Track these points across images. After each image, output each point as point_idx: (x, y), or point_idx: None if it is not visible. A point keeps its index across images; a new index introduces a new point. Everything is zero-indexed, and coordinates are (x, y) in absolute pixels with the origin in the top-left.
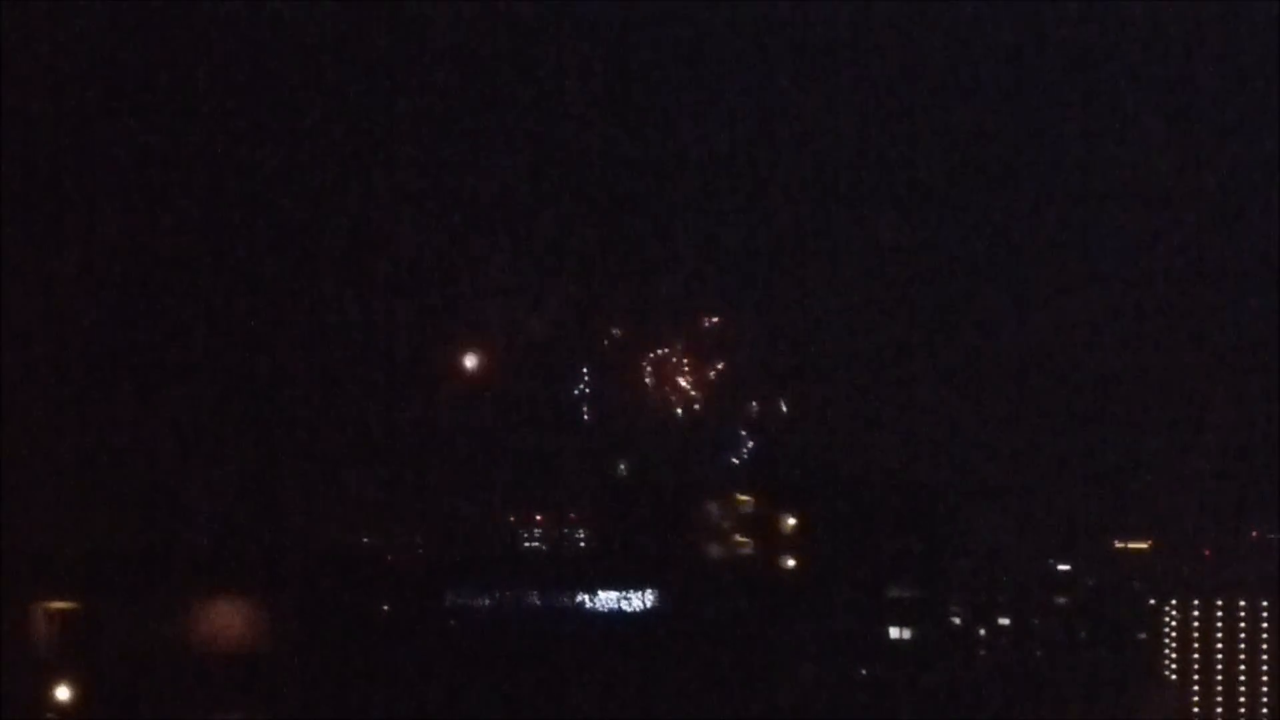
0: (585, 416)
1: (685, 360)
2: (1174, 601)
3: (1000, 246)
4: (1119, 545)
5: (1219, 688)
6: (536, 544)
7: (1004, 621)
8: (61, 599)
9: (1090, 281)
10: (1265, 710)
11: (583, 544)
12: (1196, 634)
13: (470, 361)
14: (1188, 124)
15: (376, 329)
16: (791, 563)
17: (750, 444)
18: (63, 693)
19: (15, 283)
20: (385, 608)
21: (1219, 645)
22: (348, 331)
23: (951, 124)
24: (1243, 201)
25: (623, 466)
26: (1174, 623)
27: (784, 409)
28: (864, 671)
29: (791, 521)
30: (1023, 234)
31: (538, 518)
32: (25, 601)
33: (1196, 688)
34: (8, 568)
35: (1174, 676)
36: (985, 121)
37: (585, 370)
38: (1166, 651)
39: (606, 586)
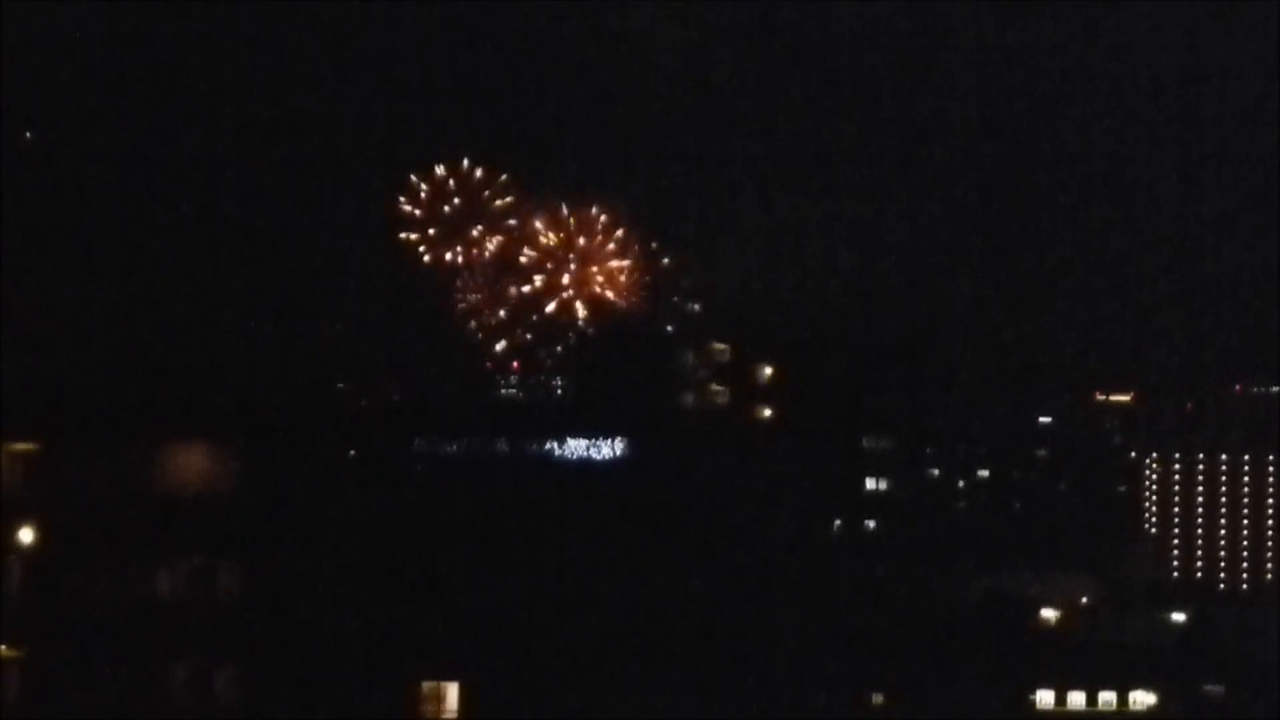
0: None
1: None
2: (1155, 455)
3: (981, 91)
4: (1101, 397)
5: (1199, 543)
6: (513, 391)
7: (983, 474)
8: (24, 440)
9: (1081, 114)
10: (1244, 566)
11: (559, 392)
12: (1177, 489)
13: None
14: None
15: (354, 171)
16: (767, 412)
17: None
18: (25, 534)
19: None
20: (352, 452)
21: (1200, 500)
22: (326, 170)
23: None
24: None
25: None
26: (1155, 477)
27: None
28: (838, 523)
29: (768, 371)
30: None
31: (514, 365)
32: None
33: (1176, 543)
34: None
35: (1154, 531)
36: None
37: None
38: (1147, 506)
39: (577, 435)
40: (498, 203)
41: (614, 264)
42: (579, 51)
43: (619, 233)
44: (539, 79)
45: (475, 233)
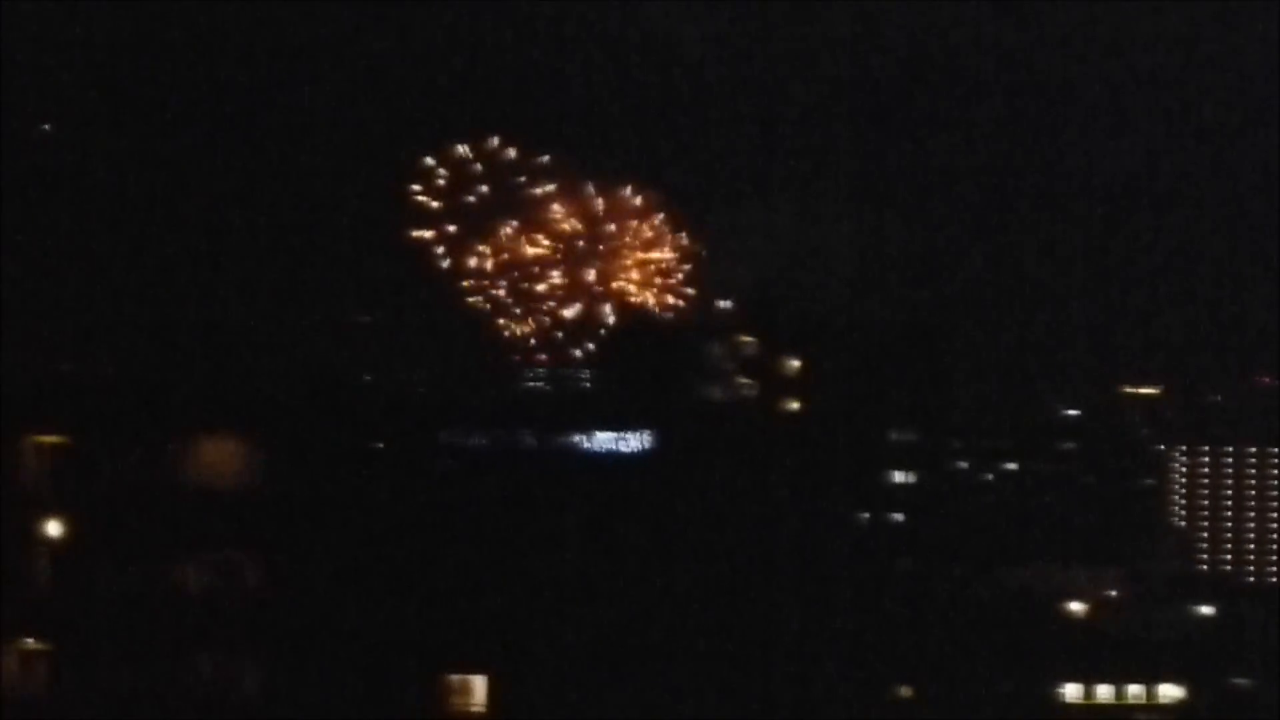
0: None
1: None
2: (1182, 448)
3: (1007, 80)
4: (1127, 390)
5: (1226, 536)
6: (540, 384)
7: (1009, 467)
8: (52, 433)
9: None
10: (1272, 558)
11: (586, 384)
12: (1204, 482)
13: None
14: None
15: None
16: (794, 405)
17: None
18: (53, 528)
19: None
20: (379, 445)
21: (1226, 493)
22: (350, 166)
23: None
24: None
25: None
26: (1181, 470)
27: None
28: (864, 516)
29: (794, 363)
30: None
31: (542, 357)
32: (15, 435)
33: (1204, 535)
34: None
35: (1181, 524)
36: None
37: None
38: (1173, 499)
39: (604, 427)
40: (537, 190)
41: (643, 255)
42: (607, 44)
43: (656, 219)
44: (569, 69)
45: (509, 229)
